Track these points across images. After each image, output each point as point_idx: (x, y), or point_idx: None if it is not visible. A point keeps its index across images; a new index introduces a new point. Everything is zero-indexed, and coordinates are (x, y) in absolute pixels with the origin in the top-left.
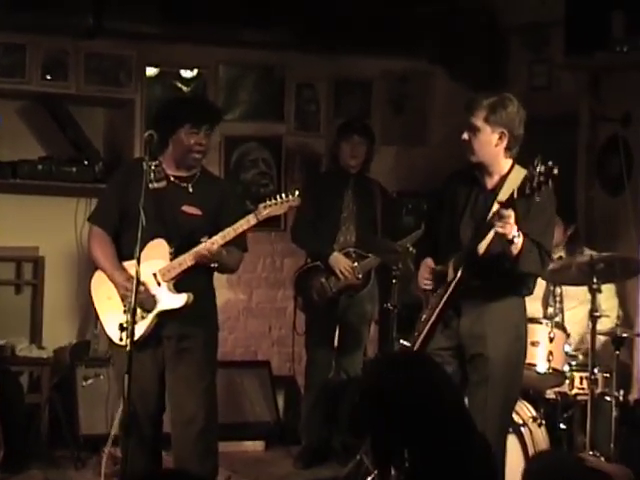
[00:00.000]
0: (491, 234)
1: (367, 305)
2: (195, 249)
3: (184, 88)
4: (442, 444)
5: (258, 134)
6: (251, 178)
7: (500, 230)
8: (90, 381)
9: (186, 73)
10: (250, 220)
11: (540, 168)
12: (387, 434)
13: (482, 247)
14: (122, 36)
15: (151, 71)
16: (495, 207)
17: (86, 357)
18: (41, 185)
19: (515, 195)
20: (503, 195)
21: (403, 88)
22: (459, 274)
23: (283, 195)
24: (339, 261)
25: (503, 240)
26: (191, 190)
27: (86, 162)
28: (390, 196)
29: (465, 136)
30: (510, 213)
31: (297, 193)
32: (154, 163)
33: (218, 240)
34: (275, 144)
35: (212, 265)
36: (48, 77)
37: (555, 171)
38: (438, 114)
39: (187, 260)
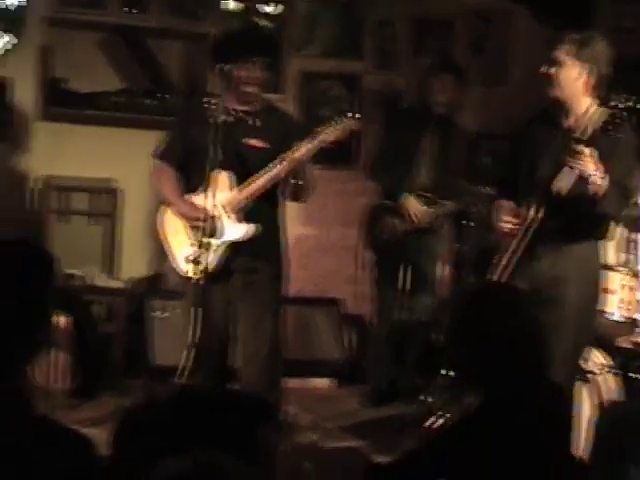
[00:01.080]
0: (571, 172)
1: (437, 248)
2: (272, 171)
3: (266, 24)
4: (515, 381)
5: (336, 71)
6: (328, 115)
7: (573, 166)
8: (164, 313)
9: (268, 8)
10: (312, 144)
11: (622, 104)
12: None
13: (560, 186)
14: None
15: (232, 5)
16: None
17: (160, 289)
18: (118, 117)
19: (596, 131)
20: (582, 133)
21: (484, 27)
22: (539, 214)
23: (343, 117)
24: (411, 204)
25: (584, 179)
26: (256, 123)
27: (164, 95)
28: (473, 140)
29: (550, 70)
30: (583, 149)
31: (357, 116)
32: (218, 99)
33: (301, 149)
34: (353, 82)
35: (297, 181)
36: (127, 9)
37: (638, 106)
38: (519, 54)
39: (278, 174)
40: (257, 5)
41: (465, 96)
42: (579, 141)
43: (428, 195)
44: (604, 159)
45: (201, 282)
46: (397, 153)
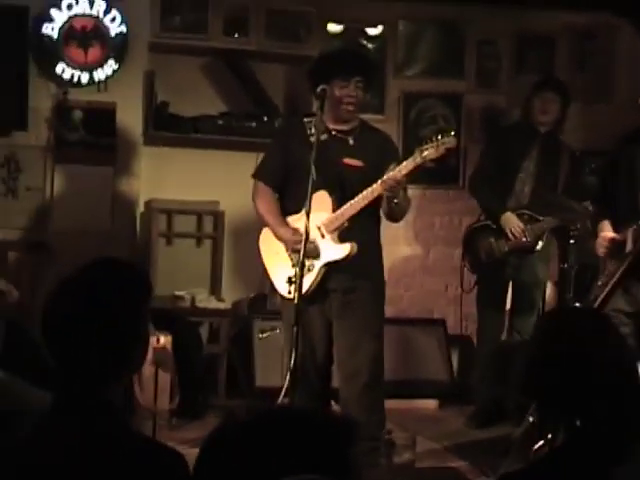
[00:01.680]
0: None
1: (539, 266)
2: (382, 178)
3: (369, 45)
4: (610, 409)
5: (437, 90)
6: (430, 135)
7: None
8: (267, 334)
9: (371, 30)
10: (409, 164)
11: None
12: (551, 395)
13: None
14: None
15: (335, 28)
16: None
17: (263, 310)
18: (221, 140)
19: None
20: None
21: (587, 43)
22: (637, 248)
23: (439, 136)
24: (510, 221)
25: None
26: (352, 142)
27: (266, 118)
28: (577, 158)
29: None
30: None
31: (453, 134)
32: (315, 118)
33: (401, 169)
34: (455, 101)
35: (392, 202)
36: (229, 33)
37: None
38: (623, 70)
39: (373, 192)
40: (359, 26)
41: (568, 114)
42: None
43: (529, 213)
44: None
45: (300, 302)
46: (498, 170)
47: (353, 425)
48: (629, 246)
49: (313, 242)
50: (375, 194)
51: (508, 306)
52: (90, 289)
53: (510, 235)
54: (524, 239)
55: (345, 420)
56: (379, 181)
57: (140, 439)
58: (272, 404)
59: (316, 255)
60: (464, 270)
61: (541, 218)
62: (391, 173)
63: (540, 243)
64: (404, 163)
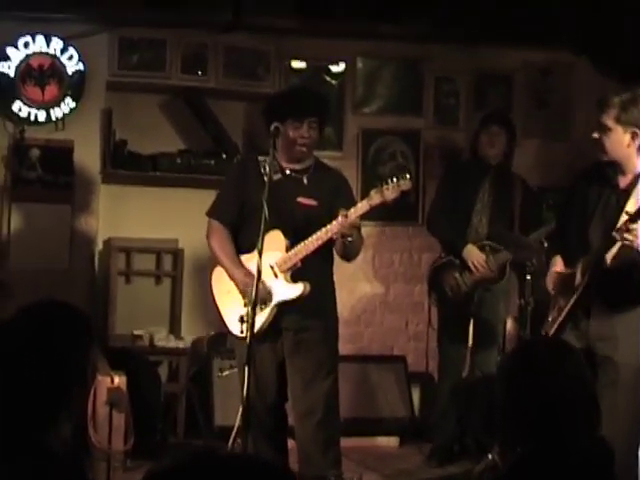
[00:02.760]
0: (619, 244)
1: (500, 302)
2: (322, 230)
3: (332, 82)
4: (564, 437)
5: (396, 127)
6: (389, 172)
7: (628, 243)
8: (226, 372)
9: (333, 67)
10: (363, 206)
11: None
12: (511, 424)
13: (609, 257)
14: (260, 30)
15: (298, 64)
16: (622, 219)
17: (223, 348)
18: (180, 178)
19: None
20: (636, 196)
21: (545, 81)
22: (586, 280)
23: (395, 179)
24: (472, 253)
25: (633, 251)
26: (306, 182)
27: (224, 155)
28: (532, 191)
29: (596, 135)
30: (637, 227)
31: (408, 177)
32: (269, 157)
33: (351, 213)
34: (413, 138)
35: (345, 240)
36: (189, 72)
37: None
38: (582, 107)
39: (315, 242)
40: (322, 63)
41: (517, 148)
42: (632, 217)
43: (489, 244)
44: None
45: (252, 341)
46: (455, 205)
47: (286, 475)
48: (578, 279)
49: (264, 285)
50: (329, 235)
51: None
52: (27, 331)
53: (473, 268)
54: (488, 270)
55: (277, 470)
56: (333, 222)
57: None
58: (204, 448)
59: (268, 299)
60: (430, 307)
61: (502, 248)
62: (340, 218)
63: (505, 275)
64: (359, 204)
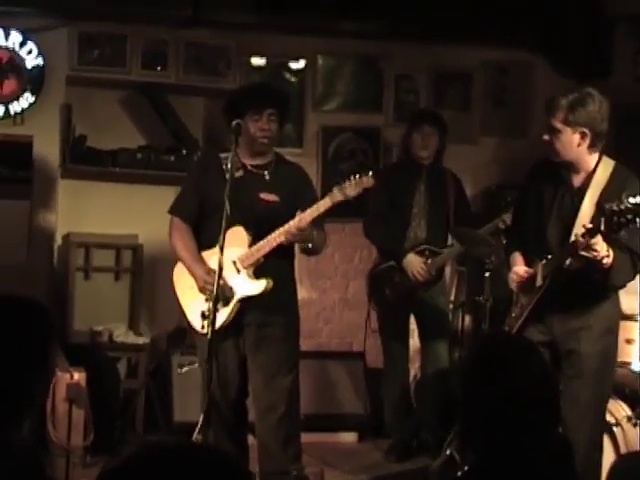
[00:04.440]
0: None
1: (440, 296)
2: (284, 227)
3: (292, 79)
4: (523, 433)
5: (356, 125)
6: (349, 169)
7: (587, 256)
8: (185, 368)
9: (293, 64)
10: (325, 203)
11: (629, 203)
12: (471, 420)
13: (569, 264)
14: (221, 26)
15: (258, 61)
16: (580, 232)
17: (182, 344)
18: (140, 174)
19: (602, 227)
20: (591, 195)
21: (503, 79)
22: (546, 283)
23: (357, 176)
24: (412, 264)
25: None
26: (267, 177)
27: (185, 151)
28: (462, 187)
29: (546, 137)
30: (596, 241)
31: (370, 174)
32: (231, 153)
33: (305, 217)
34: (373, 135)
35: (305, 245)
36: (150, 67)
37: None
38: (539, 105)
39: (276, 239)
40: (282, 60)
41: (475, 146)
42: (589, 232)
43: (428, 247)
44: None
45: (213, 337)
46: (391, 209)
47: (234, 463)
48: (539, 281)
49: (226, 281)
50: (293, 231)
51: (417, 341)
52: None
53: (413, 277)
54: (428, 276)
55: (225, 458)
56: (297, 217)
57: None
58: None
59: (229, 295)
60: (369, 311)
61: (441, 250)
62: (295, 221)
63: (445, 274)
64: (321, 202)
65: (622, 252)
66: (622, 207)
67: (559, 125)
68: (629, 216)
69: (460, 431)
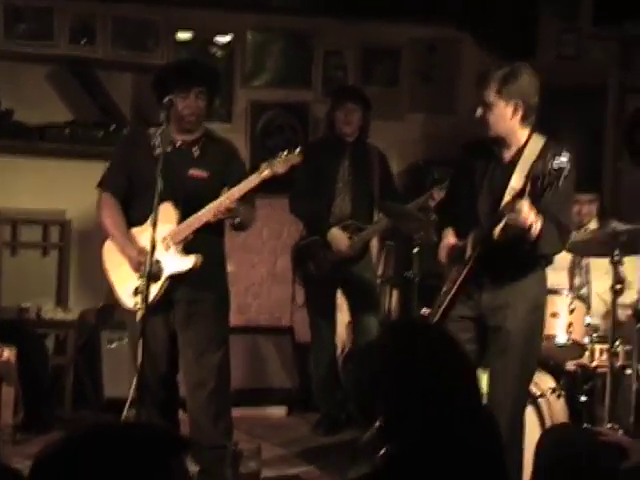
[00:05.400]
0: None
1: (367, 272)
2: (213, 204)
3: (218, 53)
4: (448, 420)
5: (285, 100)
6: (277, 144)
7: (513, 222)
8: (115, 344)
9: (220, 38)
10: (254, 179)
11: (553, 165)
12: (393, 406)
13: (497, 232)
14: (149, 1)
15: (183, 35)
16: (508, 197)
17: (111, 320)
18: (68, 149)
19: (529, 187)
20: (521, 169)
21: (431, 56)
22: (476, 253)
23: (285, 153)
24: (336, 238)
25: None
26: (197, 153)
27: (113, 127)
28: (387, 163)
29: (479, 112)
30: (523, 204)
31: (298, 150)
32: (160, 129)
33: (233, 194)
34: (302, 111)
35: (234, 221)
36: (75, 41)
37: (568, 168)
38: (466, 82)
39: (205, 215)
40: (208, 35)
41: (403, 122)
42: (517, 195)
43: (354, 223)
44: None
45: (143, 313)
46: (315, 185)
47: (175, 435)
48: (468, 252)
49: (155, 257)
50: (222, 208)
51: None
52: None
53: (337, 252)
54: (351, 251)
55: (166, 431)
56: (225, 194)
57: None
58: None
59: (158, 272)
60: (294, 284)
61: (366, 226)
62: (224, 197)
63: (366, 252)
64: (250, 177)
65: (550, 223)
66: (547, 170)
67: (492, 98)
68: (553, 176)
69: (381, 423)
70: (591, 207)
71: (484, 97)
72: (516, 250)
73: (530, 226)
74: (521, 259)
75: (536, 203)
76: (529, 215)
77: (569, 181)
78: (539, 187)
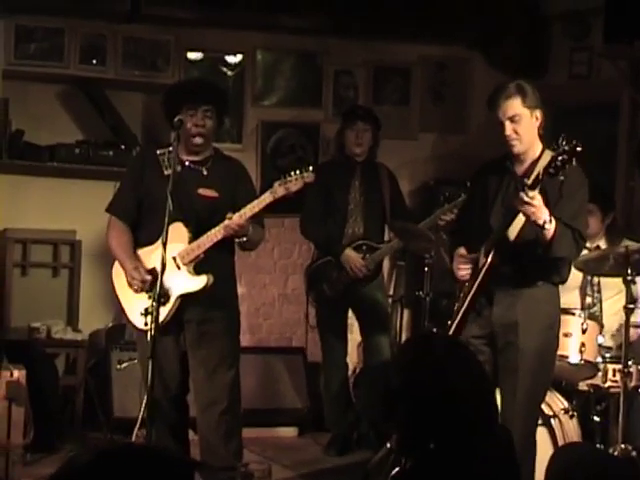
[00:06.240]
0: (521, 218)
1: (378, 292)
2: (224, 223)
3: (228, 73)
4: (465, 434)
5: (295, 120)
6: (288, 164)
7: (523, 210)
8: (125, 364)
9: (230, 58)
10: (267, 197)
11: (564, 146)
12: (413, 421)
13: (513, 232)
14: (159, 21)
15: (194, 55)
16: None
17: (121, 340)
18: (78, 169)
19: (540, 175)
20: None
21: (441, 75)
22: (489, 259)
23: (297, 171)
24: (350, 259)
25: (534, 225)
26: (206, 173)
27: (123, 146)
28: (396, 182)
29: (509, 130)
30: (534, 194)
31: (311, 169)
32: (168, 149)
33: (246, 212)
34: (312, 130)
35: (241, 240)
36: (87, 62)
37: (579, 149)
38: (477, 101)
39: (216, 234)
40: (219, 55)
41: (414, 142)
42: (528, 186)
43: (367, 243)
44: (553, 203)
45: (154, 334)
46: (327, 207)
47: (191, 465)
48: (482, 261)
49: (163, 279)
50: (232, 227)
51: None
52: None
53: (351, 272)
54: (366, 271)
55: (183, 460)
56: (220, 226)
57: None
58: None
59: (168, 292)
60: (308, 306)
61: (379, 246)
62: (235, 217)
63: (384, 268)
64: (262, 196)
65: (564, 227)
66: (560, 150)
67: (519, 109)
68: (565, 157)
69: (398, 425)
70: (596, 224)
71: (511, 112)
72: (530, 254)
73: (544, 223)
74: (534, 270)
75: (550, 208)
76: (541, 206)
77: (583, 191)
78: (552, 168)
